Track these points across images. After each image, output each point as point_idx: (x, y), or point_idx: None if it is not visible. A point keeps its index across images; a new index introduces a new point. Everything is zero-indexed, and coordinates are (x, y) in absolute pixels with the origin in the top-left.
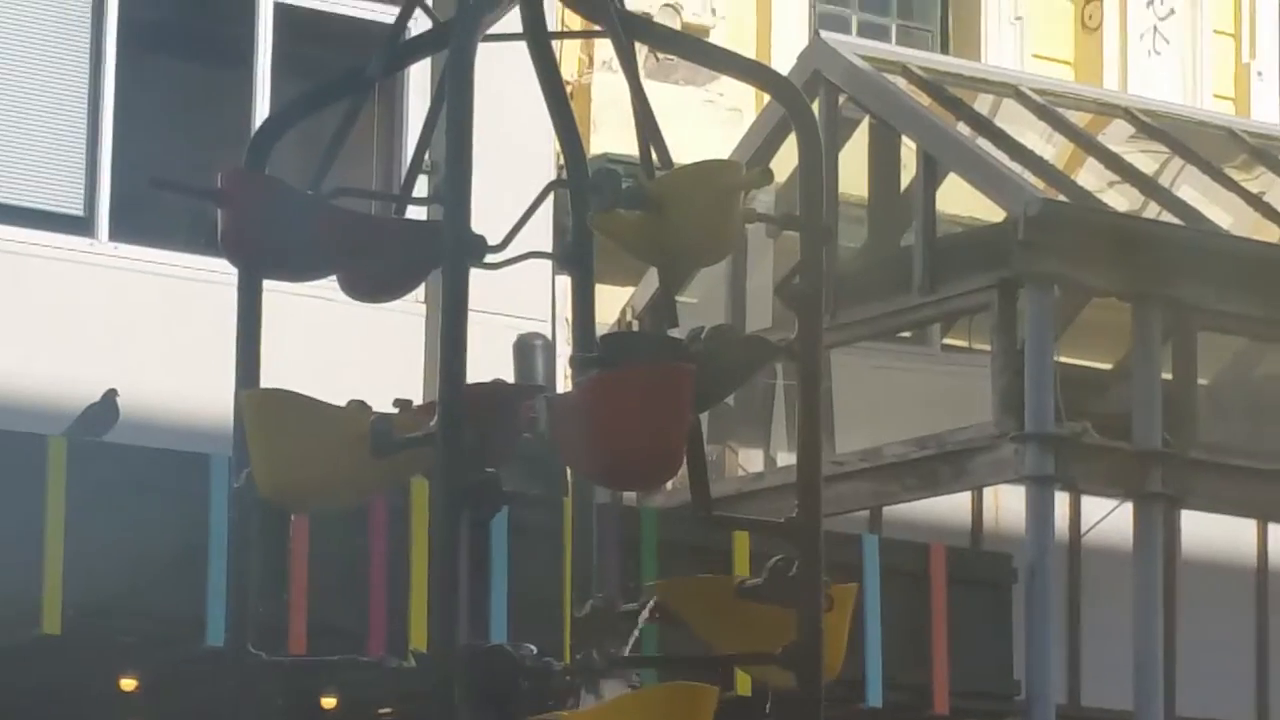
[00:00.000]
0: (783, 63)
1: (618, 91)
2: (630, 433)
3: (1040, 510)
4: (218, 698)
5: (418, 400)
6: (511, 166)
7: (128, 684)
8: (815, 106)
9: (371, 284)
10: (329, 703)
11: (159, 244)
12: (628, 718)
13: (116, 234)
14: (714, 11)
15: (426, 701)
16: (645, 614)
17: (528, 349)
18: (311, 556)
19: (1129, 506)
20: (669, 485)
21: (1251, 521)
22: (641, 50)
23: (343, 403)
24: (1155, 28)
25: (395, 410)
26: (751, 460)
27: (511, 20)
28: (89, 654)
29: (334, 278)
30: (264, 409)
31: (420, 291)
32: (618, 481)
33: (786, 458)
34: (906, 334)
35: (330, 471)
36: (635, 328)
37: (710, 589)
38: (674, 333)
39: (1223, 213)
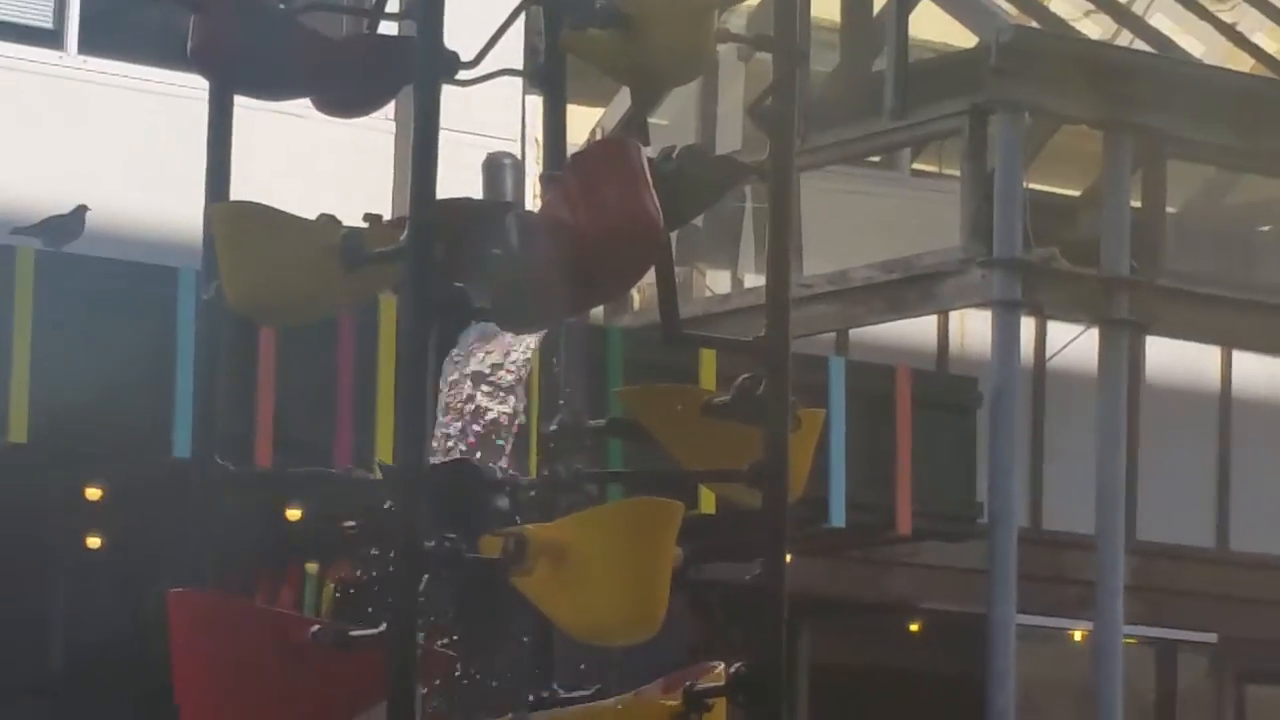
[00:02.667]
0: None
1: None
2: (597, 240)
3: (1006, 335)
4: (183, 509)
5: (388, 215)
6: None
7: (93, 493)
8: None
9: (343, 100)
10: (294, 514)
11: (129, 58)
12: (591, 530)
13: (85, 47)
14: None
15: (392, 514)
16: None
17: (497, 168)
18: (278, 370)
19: (1095, 332)
20: (635, 303)
21: (1216, 349)
22: None
23: (313, 217)
24: None
25: (365, 225)
26: (719, 282)
27: None
28: (55, 463)
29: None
30: (234, 221)
31: (390, 108)
32: (584, 300)
33: (755, 280)
34: (876, 158)
35: (300, 284)
36: None
37: (676, 399)
38: (646, 153)
39: (1196, 42)
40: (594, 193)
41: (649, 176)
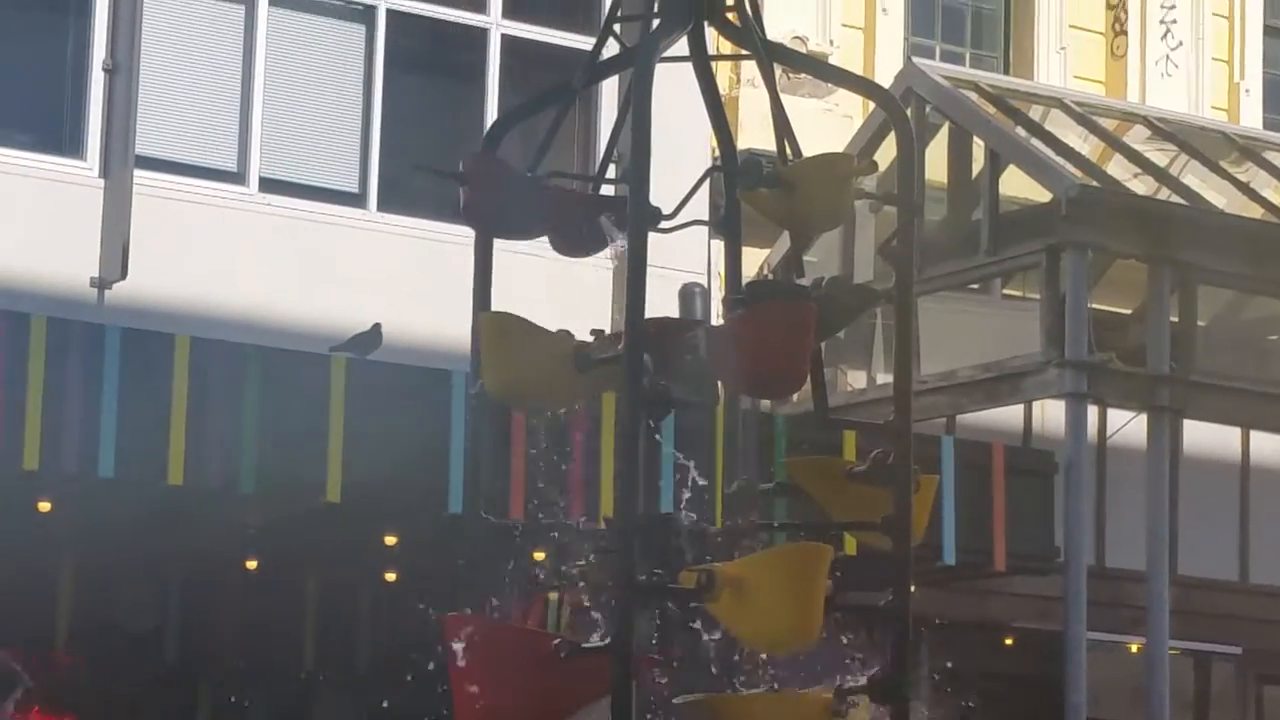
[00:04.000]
0: (883, 80)
1: (760, 102)
2: (767, 355)
3: (1076, 419)
4: (458, 551)
5: (608, 331)
6: (679, 157)
7: (389, 540)
8: (909, 113)
9: (574, 244)
10: (540, 555)
11: (416, 213)
12: (763, 568)
13: (383, 205)
14: (832, 42)
15: (613, 555)
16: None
17: (689, 295)
18: (527, 447)
19: (1143, 418)
20: (795, 397)
21: (1237, 430)
22: (778, 69)
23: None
24: (1168, 56)
25: (592, 338)
26: (857, 379)
27: (680, 46)
28: (361, 518)
29: (546, 239)
30: (497, 326)
31: (609, 250)
32: (757, 392)
33: (884, 377)
34: (975, 286)
35: (543, 381)
36: (771, 278)
37: (827, 467)
38: (800, 282)
39: (1218, 196)
40: (767, 340)
41: (812, 338)
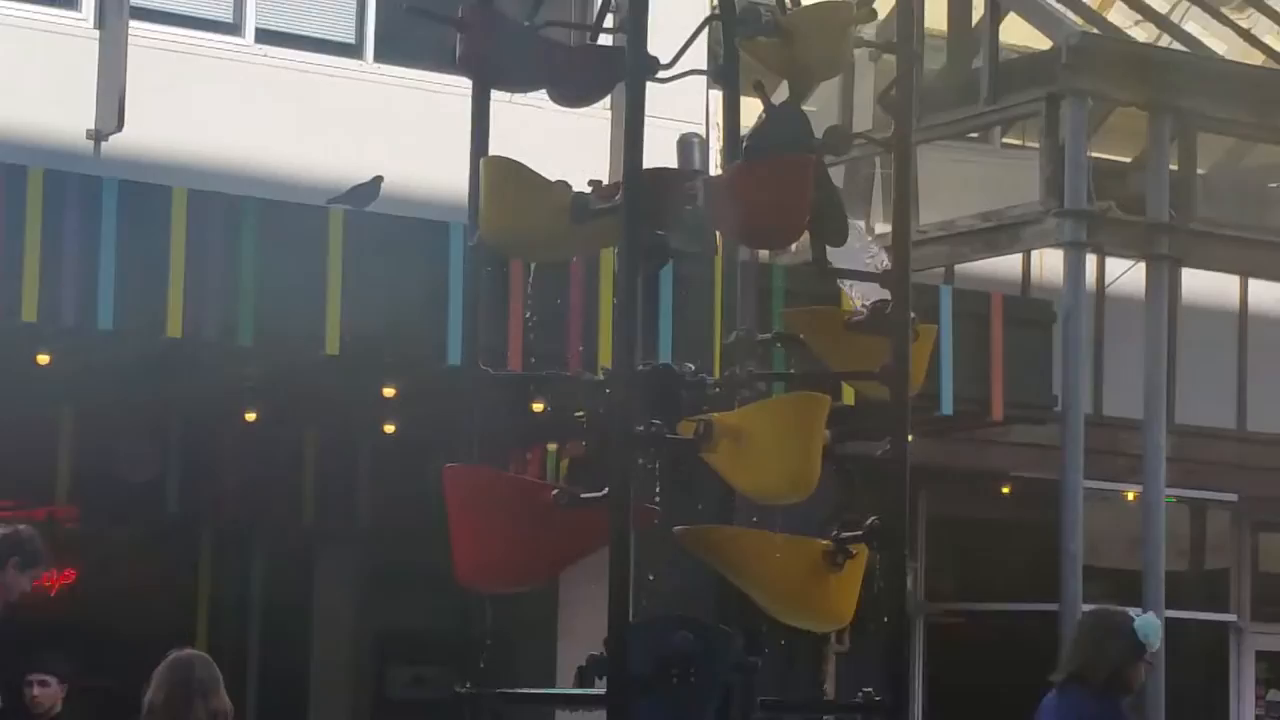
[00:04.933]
0: None
1: None
2: (766, 206)
3: (1075, 268)
4: (455, 403)
5: (606, 182)
6: (677, 6)
7: (388, 392)
8: None
9: (571, 95)
10: (538, 407)
11: (413, 64)
12: (762, 417)
13: (380, 56)
14: None
15: (611, 406)
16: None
17: (687, 145)
18: (525, 297)
19: (1142, 266)
20: (794, 247)
21: (1236, 278)
22: None
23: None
24: None
25: (590, 189)
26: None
27: None
28: (359, 369)
29: (543, 91)
30: (496, 170)
31: (607, 101)
32: (755, 243)
33: (883, 227)
34: (974, 134)
35: (541, 231)
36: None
37: (826, 317)
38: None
39: (1219, 43)
40: (765, 190)
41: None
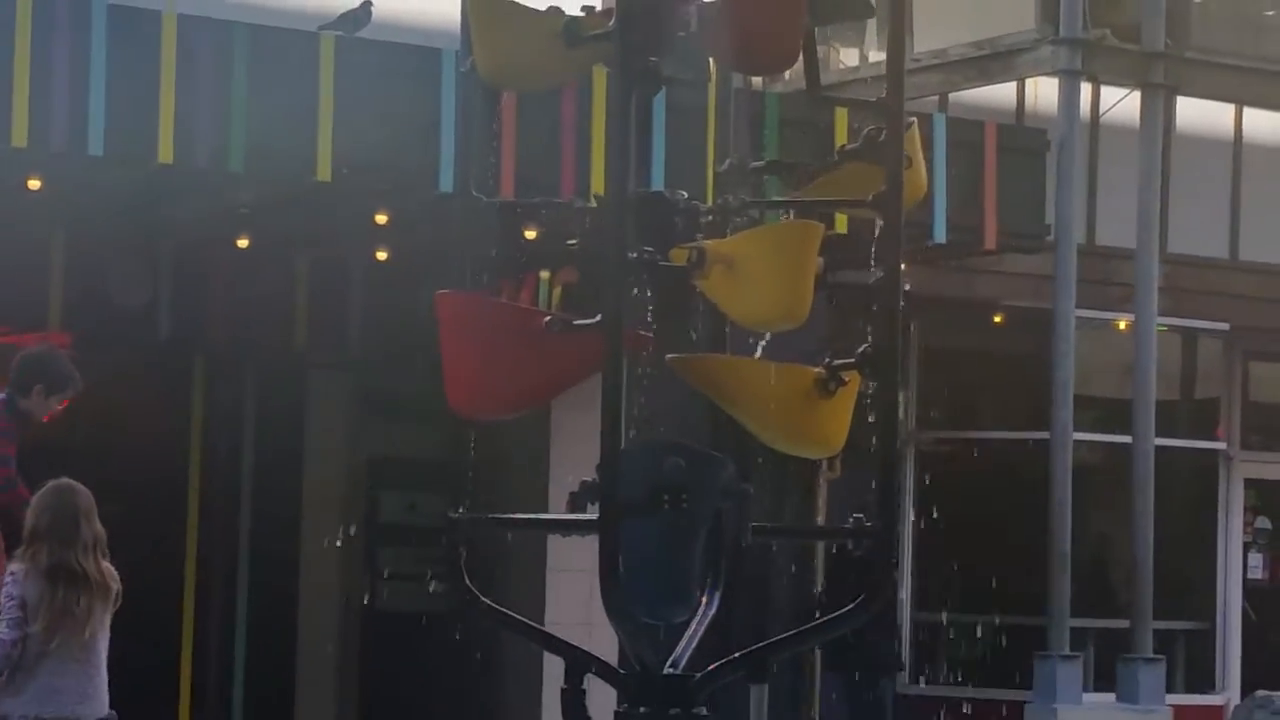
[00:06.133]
0: None
1: None
2: (759, 31)
3: (1069, 97)
4: (448, 229)
5: (599, 6)
6: None
7: (380, 219)
8: None
9: None
10: (530, 234)
11: None
12: (754, 244)
13: None
14: None
15: (603, 233)
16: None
17: None
18: (517, 125)
19: (1137, 94)
20: (787, 75)
21: (1230, 106)
22: None
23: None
24: None
25: (582, 14)
26: (850, 57)
27: None
28: (351, 196)
29: None
30: (485, 3)
31: None
32: (749, 69)
33: (876, 55)
34: None
35: (534, 58)
36: None
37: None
38: None
39: None
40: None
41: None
